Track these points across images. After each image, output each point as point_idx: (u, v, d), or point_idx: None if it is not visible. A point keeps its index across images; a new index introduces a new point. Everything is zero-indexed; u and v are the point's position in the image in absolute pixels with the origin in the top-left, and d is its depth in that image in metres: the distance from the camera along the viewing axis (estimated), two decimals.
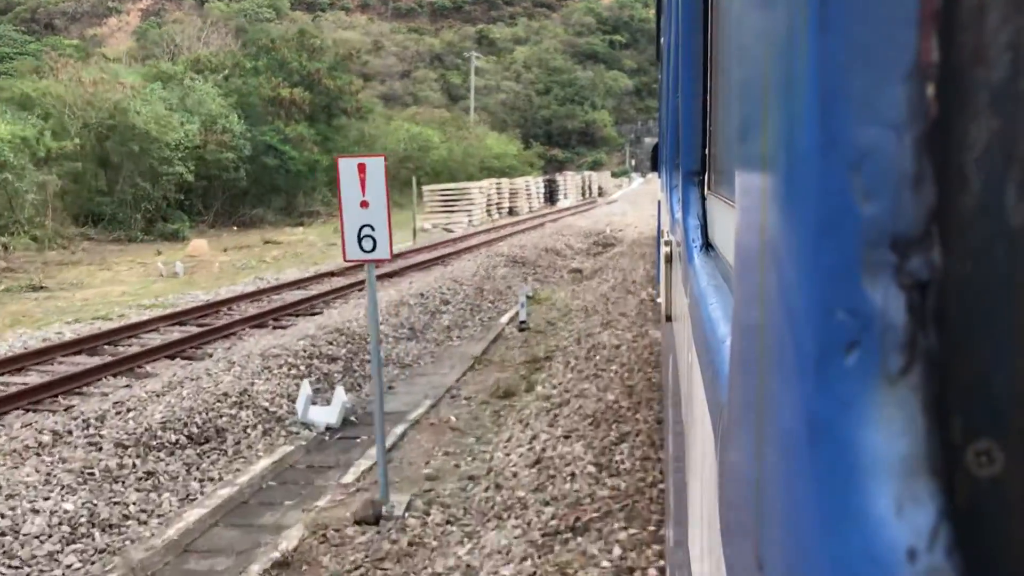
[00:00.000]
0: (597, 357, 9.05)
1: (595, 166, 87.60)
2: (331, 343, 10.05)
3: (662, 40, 5.95)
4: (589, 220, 28.77)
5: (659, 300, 5.59)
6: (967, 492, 0.28)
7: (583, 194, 50.03)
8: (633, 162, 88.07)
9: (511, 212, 36.07)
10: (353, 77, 39.96)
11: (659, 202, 8.60)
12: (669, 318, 3.20)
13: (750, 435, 0.47)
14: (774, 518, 0.39)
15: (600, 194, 54.60)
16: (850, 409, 0.31)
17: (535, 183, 40.70)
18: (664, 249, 3.03)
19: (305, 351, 9.60)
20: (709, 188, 1.96)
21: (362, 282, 14.32)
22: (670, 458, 2.89)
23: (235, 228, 31.68)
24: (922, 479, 0.29)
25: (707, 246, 1.77)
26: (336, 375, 9.42)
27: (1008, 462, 0.27)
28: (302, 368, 9.23)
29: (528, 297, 15.11)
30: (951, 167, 0.29)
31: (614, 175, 79.74)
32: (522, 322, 12.60)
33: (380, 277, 15.59)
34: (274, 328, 12.08)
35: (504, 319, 13.20)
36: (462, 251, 20.27)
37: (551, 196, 43.31)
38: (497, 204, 34.40)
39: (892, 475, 0.29)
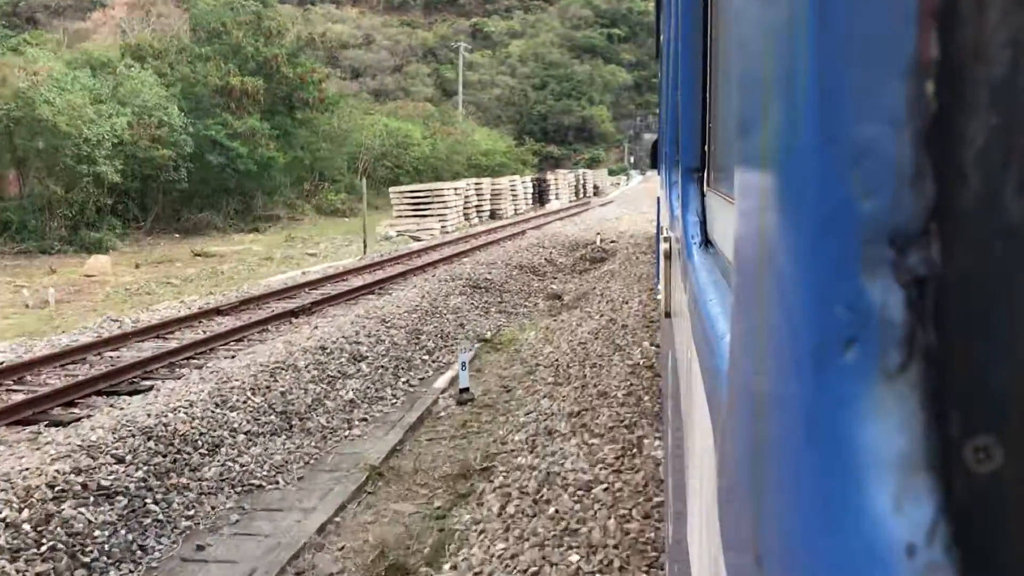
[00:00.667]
0: (553, 506, 5.16)
1: (592, 163, 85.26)
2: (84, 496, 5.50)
3: (662, 37, 5.92)
4: (579, 226, 24.82)
5: (659, 298, 5.18)
6: (966, 488, 0.28)
7: (576, 194, 46.28)
8: (632, 159, 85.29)
9: (493, 215, 32.20)
10: (317, 64, 35.84)
11: (658, 199, 8.34)
12: (668, 314, 3.20)
13: (749, 431, 0.48)
14: (773, 514, 0.40)
15: (596, 193, 50.84)
16: (849, 405, 0.31)
17: (522, 183, 36.82)
18: (663, 246, 3.08)
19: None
20: (708, 185, 1.97)
21: (252, 328, 10.45)
22: (669, 455, 2.80)
23: (177, 235, 27.82)
24: (921, 475, 0.29)
25: (706, 243, 1.79)
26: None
27: (1007, 458, 0.27)
28: None
29: (484, 341, 11.15)
30: (950, 164, 0.28)
31: (611, 173, 76.45)
32: (463, 390, 8.73)
33: (276, 318, 11.72)
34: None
35: (441, 381, 9.35)
36: (415, 270, 16.29)
37: (541, 197, 39.50)
38: (477, 207, 30.54)
39: (891, 471, 0.29)
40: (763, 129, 0.44)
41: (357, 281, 15.17)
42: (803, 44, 0.34)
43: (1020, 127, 0.27)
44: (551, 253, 18.97)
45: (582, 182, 48.06)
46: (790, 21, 0.36)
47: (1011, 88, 0.27)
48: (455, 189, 27.84)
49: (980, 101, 0.28)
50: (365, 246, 19.92)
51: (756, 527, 0.43)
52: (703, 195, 2.01)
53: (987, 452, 0.28)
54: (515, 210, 34.77)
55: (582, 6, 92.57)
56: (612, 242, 20.05)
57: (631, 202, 37.07)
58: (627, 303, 11.82)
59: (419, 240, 24.41)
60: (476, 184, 30.84)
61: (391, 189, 27.53)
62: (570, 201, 42.76)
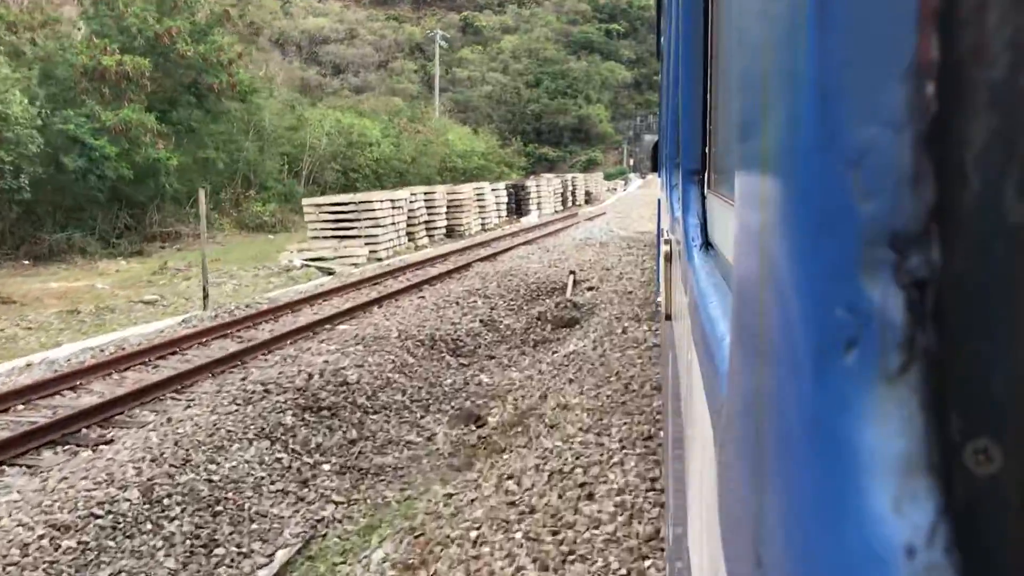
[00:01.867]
0: None
1: (589, 166, 79.47)
2: None
3: (662, 39, 5.98)
4: (552, 254, 17.49)
5: (659, 299, 4.86)
6: (965, 490, 0.28)
7: (564, 203, 39.48)
8: (631, 161, 78.95)
9: (451, 233, 25.44)
10: (230, 41, 28.64)
11: (659, 201, 8.47)
12: (668, 317, 3.17)
13: (749, 433, 0.48)
14: (773, 516, 0.40)
15: (588, 201, 44.00)
16: (848, 407, 0.31)
17: (493, 191, 30.01)
18: (664, 248, 3.08)
19: None
20: (709, 187, 1.96)
21: None
22: (669, 456, 2.79)
23: (27, 262, 21.05)
24: (920, 477, 0.29)
25: (707, 245, 1.79)
26: None
27: (1006, 460, 0.27)
28: None
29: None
30: (950, 165, 0.29)
31: (607, 177, 69.90)
32: None
33: None
34: None
35: None
36: (236, 359, 9.30)
37: (518, 208, 32.74)
38: (427, 223, 23.77)
39: (890, 473, 0.29)
40: (763, 131, 0.44)
41: (100, 388, 8.33)
42: (803, 45, 0.34)
43: (1021, 128, 0.27)
44: (494, 305, 12.11)
45: (570, 189, 41.32)
46: (790, 22, 0.37)
47: (1012, 89, 0.27)
48: (392, 201, 21.05)
49: (981, 103, 0.27)
50: (205, 298, 13.02)
51: (756, 528, 0.44)
52: (704, 197, 2.00)
53: (987, 454, 0.28)
54: (483, 225, 28.03)
55: (579, 0, 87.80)
56: (590, 289, 13.29)
57: (625, 214, 30.30)
58: (607, 434, 5.13)
59: (331, 273, 17.67)
60: (426, 194, 24.03)
61: (305, 201, 20.81)
62: (555, 212, 36.02)
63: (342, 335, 10.43)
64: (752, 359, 0.46)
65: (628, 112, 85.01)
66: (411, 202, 22.38)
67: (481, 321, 11.27)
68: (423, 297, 13.08)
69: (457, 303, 12.26)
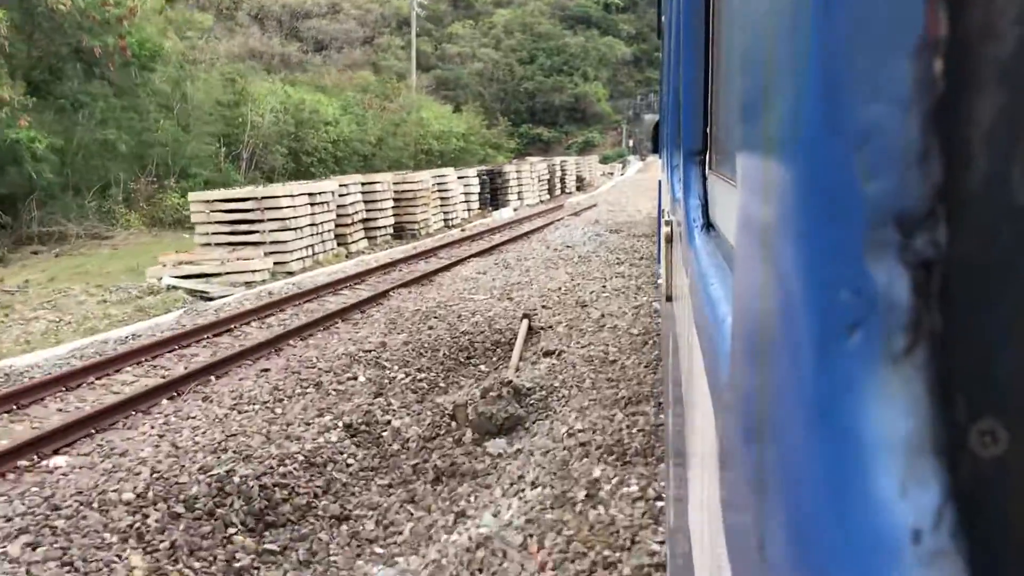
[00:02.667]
0: None
1: (586, 147, 74.61)
2: None
3: (663, 17, 5.75)
4: (512, 270, 12.96)
5: (659, 281, 4.83)
6: (971, 472, 0.28)
7: (551, 190, 34.40)
8: (631, 143, 74.08)
9: (400, 233, 20.45)
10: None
11: (660, 182, 8.20)
12: (669, 298, 3.14)
13: (751, 416, 0.47)
14: (776, 499, 0.39)
15: (580, 187, 38.86)
16: (853, 389, 0.31)
17: (461, 180, 24.91)
18: (665, 229, 3.01)
19: None
20: (710, 167, 1.94)
21: None
22: (669, 439, 2.76)
23: None
24: (926, 460, 0.29)
25: (708, 226, 1.77)
26: None
27: (1012, 442, 0.27)
28: None
29: None
30: (958, 145, 0.28)
31: (604, 159, 64.89)
32: None
33: None
34: None
35: None
36: None
37: (493, 199, 27.74)
38: (366, 221, 18.78)
39: (896, 456, 0.29)
40: (766, 110, 0.44)
41: None
42: (807, 22, 0.33)
43: None
44: (384, 387, 7.23)
45: (559, 174, 36.14)
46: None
47: (1020, 66, 0.26)
48: (312, 195, 16.05)
49: (989, 80, 0.27)
50: None
51: (758, 512, 0.43)
52: (705, 178, 1.99)
53: (993, 436, 0.27)
54: (447, 221, 23.04)
55: None
56: (549, 355, 7.95)
57: (620, 205, 25.29)
58: None
59: (209, 299, 12.71)
60: (365, 184, 18.97)
61: (191, 197, 15.76)
62: (539, 203, 30.97)
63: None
64: (755, 341, 0.46)
65: (627, 90, 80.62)
66: (342, 195, 17.35)
67: (347, 427, 6.31)
68: (267, 371, 7.99)
69: (318, 385, 7.29)
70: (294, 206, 15.19)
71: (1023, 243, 0.27)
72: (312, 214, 15.84)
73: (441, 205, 22.84)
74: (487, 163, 36.68)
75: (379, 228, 19.37)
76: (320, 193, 16.30)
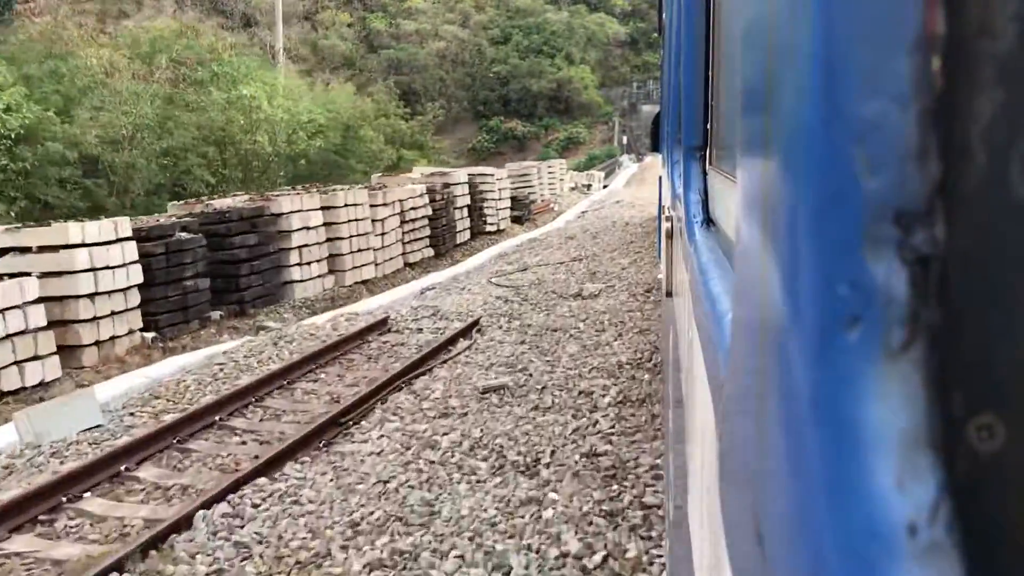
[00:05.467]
0: None
1: (569, 145, 61.54)
2: None
3: (664, 15, 5.83)
4: None
5: (660, 276, 4.69)
6: (968, 467, 0.28)
7: (444, 236, 19.15)
8: (625, 139, 60.74)
9: None
10: None
11: (660, 178, 8.41)
12: (670, 293, 3.14)
13: (750, 410, 0.47)
14: (774, 493, 0.40)
15: (522, 220, 24.15)
16: (851, 384, 0.31)
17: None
18: (665, 225, 3.03)
19: None
20: (711, 163, 1.96)
21: None
22: (670, 433, 2.80)
23: None
24: (923, 454, 0.29)
25: (708, 221, 1.79)
26: None
27: (1009, 437, 0.27)
28: None
29: None
30: (956, 141, 0.28)
31: (589, 161, 51.38)
32: None
33: None
34: None
35: None
36: None
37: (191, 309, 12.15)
38: None
39: (893, 450, 0.29)
40: (767, 106, 0.44)
41: None
42: (807, 19, 0.34)
43: None
44: None
45: (463, 203, 20.22)
46: None
47: (1018, 64, 0.26)
48: None
49: (987, 77, 0.27)
50: None
51: (757, 506, 0.43)
52: (705, 173, 2.00)
53: (990, 431, 0.28)
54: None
55: None
56: None
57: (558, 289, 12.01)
58: None
59: None
60: None
61: None
62: (397, 269, 16.54)
63: None
64: (754, 336, 0.46)
65: (621, 77, 68.01)
66: None
67: None
68: None
69: None
70: None
71: (1021, 239, 0.27)
72: None
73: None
74: (396, 173, 22.73)
75: None
76: None
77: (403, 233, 17.35)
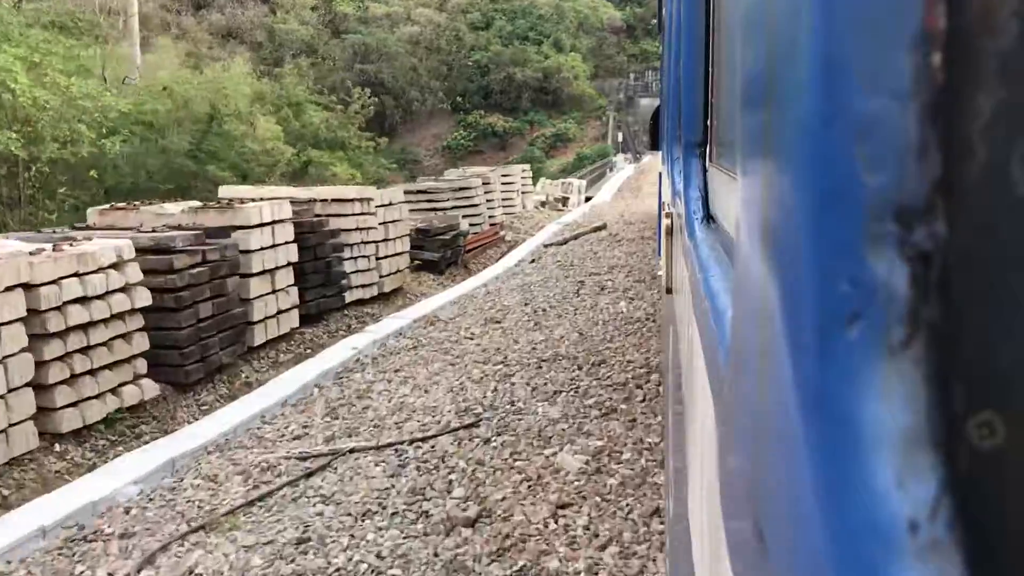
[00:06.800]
0: None
1: (557, 143, 54.43)
2: None
3: (664, 11, 5.80)
4: None
5: (660, 273, 4.95)
6: (968, 464, 0.28)
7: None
8: (620, 136, 53.64)
9: None
10: None
11: (660, 174, 8.54)
12: (670, 291, 3.16)
13: (750, 407, 0.48)
14: (774, 491, 0.40)
15: (449, 263, 13.24)
16: (852, 381, 0.31)
17: None
18: (665, 221, 3.01)
19: None
20: (711, 160, 1.96)
21: None
22: (670, 430, 2.78)
23: None
24: (924, 451, 0.29)
25: (708, 218, 1.78)
26: None
27: (1009, 434, 0.27)
28: None
29: None
30: (957, 137, 0.28)
31: (578, 161, 44.03)
32: None
33: None
34: None
35: None
36: None
37: None
38: None
39: (893, 447, 0.29)
40: (767, 102, 0.44)
41: None
42: (808, 15, 0.34)
43: None
44: None
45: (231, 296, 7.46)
46: None
47: (1019, 59, 0.26)
48: None
49: (988, 73, 0.27)
50: None
51: (757, 503, 0.43)
52: (705, 170, 2.00)
53: (990, 428, 0.27)
54: None
55: None
56: None
57: None
58: None
59: None
60: None
61: None
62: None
63: None
64: (754, 333, 0.46)
65: (617, 67, 61.19)
66: None
67: None
68: None
69: None
70: None
71: (1021, 236, 0.27)
72: None
73: None
74: (275, 180, 15.05)
75: None
76: None
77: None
